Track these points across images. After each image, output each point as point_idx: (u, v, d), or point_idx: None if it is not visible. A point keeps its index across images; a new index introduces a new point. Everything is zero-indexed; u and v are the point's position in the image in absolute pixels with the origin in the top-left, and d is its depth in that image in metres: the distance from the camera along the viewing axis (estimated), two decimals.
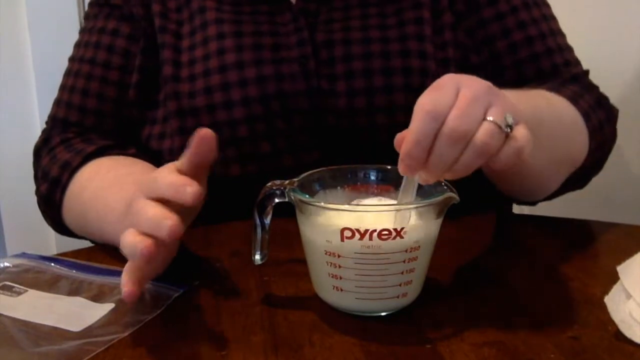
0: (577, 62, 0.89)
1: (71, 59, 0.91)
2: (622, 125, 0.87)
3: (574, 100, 0.79)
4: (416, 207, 0.55)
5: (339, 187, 0.61)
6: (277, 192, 0.57)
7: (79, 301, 0.60)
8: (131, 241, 0.52)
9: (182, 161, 0.57)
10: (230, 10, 0.85)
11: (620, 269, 0.59)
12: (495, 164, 0.52)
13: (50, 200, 0.80)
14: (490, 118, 0.51)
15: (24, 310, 0.59)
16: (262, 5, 0.85)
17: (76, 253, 0.72)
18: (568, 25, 0.91)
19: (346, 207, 0.56)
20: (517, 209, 1.00)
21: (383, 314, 0.57)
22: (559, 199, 0.85)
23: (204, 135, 0.56)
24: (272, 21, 0.84)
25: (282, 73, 0.81)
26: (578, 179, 0.82)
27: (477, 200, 0.78)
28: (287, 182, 0.57)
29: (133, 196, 0.57)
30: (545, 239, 0.74)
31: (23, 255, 0.70)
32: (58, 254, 0.71)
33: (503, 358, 0.51)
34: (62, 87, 0.90)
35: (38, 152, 0.87)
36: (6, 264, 0.68)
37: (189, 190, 0.53)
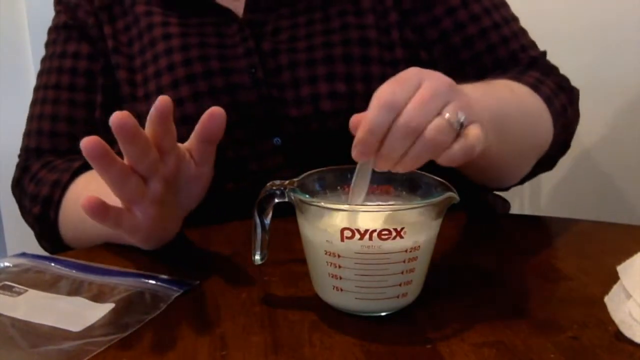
0: (534, 45, 0.89)
1: (36, 89, 0.90)
2: (622, 125, 0.87)
3: (535, 87, 0.79)
4: (416, 207, 0.55)
5: (339, 187, 0.61)
6: (277, 192, 0.57)
7: (79, 301, 0.60)
8: None
9: (191, 136, 0.59)
10: (176, 23, 0.84)
11: (620, 269, 0.59)
12: (445, 160, 0.53)
13: (45, 219, 0.79)
14: (446, 115, 0.52)
15: (23, 310, 0.59)
16: (208, 17, 0.85)
17: (76, 253, 0.72)
18: (570, 23, 0.91)
19: (346, 207, 0.56)
20: (517, 208, 1.00)
21: (383, 314, 0.57)
22: (559, 199, 0.85)
23: (213, 112, 0.59)
24: (219, 33, 0.84)
25: (233, 83, 0.80)
26: (546, 162, 0.83)
27: (477, 198, 0.78)
28: (287, 182, 0.57)
29: None
30: (545, 238, 0.74)
31: (23, 255, 0.70)
32: (58, 254, 0.71)
33: (503, 358, 0.51)
34: (30, 118, 0.89)
35: (18, 183, 0.86)
36: (6, 264, 0.68)
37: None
